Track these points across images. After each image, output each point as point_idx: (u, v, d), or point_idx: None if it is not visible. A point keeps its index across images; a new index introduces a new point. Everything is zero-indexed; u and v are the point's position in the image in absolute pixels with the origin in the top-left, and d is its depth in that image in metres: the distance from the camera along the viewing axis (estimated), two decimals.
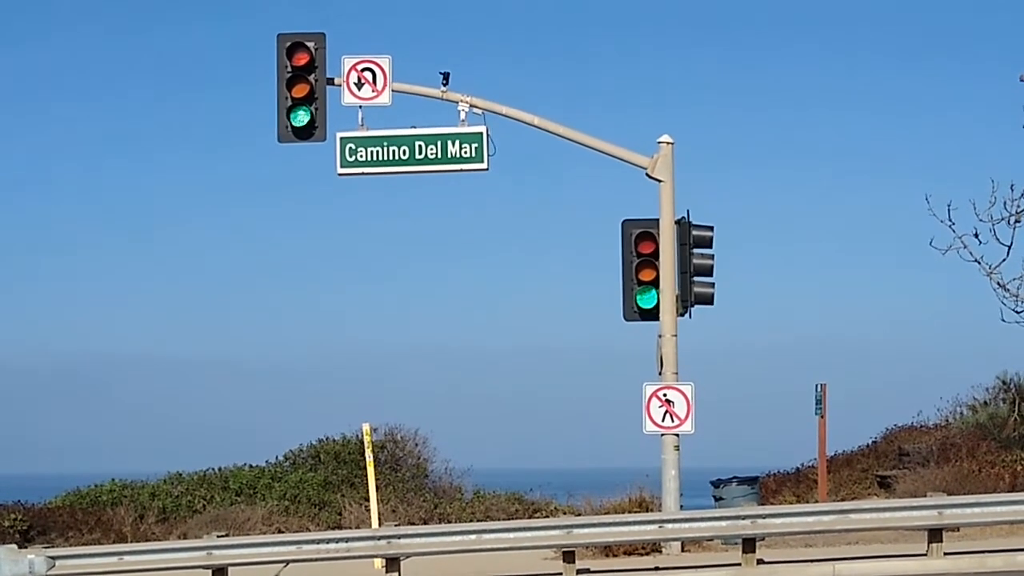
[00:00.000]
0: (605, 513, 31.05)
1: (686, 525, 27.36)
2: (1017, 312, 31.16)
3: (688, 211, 30.29)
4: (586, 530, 27.33)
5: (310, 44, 30.42)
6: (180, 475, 39.72)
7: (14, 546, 28.23)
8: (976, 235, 31.10)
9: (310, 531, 33.94)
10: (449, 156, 30.38)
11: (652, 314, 30.14)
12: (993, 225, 31.12)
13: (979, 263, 31.17)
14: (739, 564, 26.85)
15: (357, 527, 33.65)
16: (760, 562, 26.93)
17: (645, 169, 30.46)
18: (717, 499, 31.39)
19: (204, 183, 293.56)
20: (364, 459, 31.31)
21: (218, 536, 28.16)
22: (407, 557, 27.74)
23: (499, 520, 33.47)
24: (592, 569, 27.91)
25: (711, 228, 30.43)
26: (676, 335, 30.12)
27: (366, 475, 31.07)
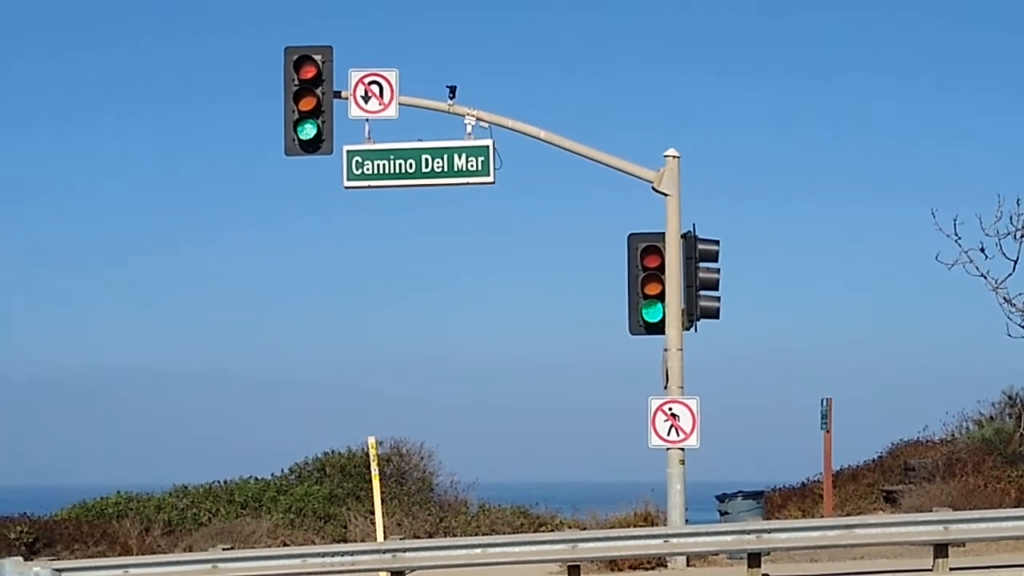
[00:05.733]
0: (610, 527, 31.04)
1: (691, 539, 27.32)
2: (1023, 327, 31.13)
3: (694, 225, 30.34)
4: (591, 544, 27.30)
5: (317, 57, 30.46)
6: (186, 488, 39.73)
7: (20, 558, 28.20)
8: (982, 249, 31.17)
9: (315, 544, 33.91)
10: (455, 169, 30.40)
11: (658, 328, 30.14)
12: (999, 240, 31.14)
13: (985, 278, 31.21)
14: None
15: (362, 540, 33.64)
16: None
17: (651, 183, 30.47)
18: (722, 513, 31.36)
19: (213, 196, 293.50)
20: (370, 472, 31.30)
21: (223, 549, 28.18)
22: (412, 571, 27.73)
23: (504, 534, 33.43)
24: None
25: (717, 242, 30.43)
26: (682, 349, 30.11)
27: (371, 488, 31.05)
